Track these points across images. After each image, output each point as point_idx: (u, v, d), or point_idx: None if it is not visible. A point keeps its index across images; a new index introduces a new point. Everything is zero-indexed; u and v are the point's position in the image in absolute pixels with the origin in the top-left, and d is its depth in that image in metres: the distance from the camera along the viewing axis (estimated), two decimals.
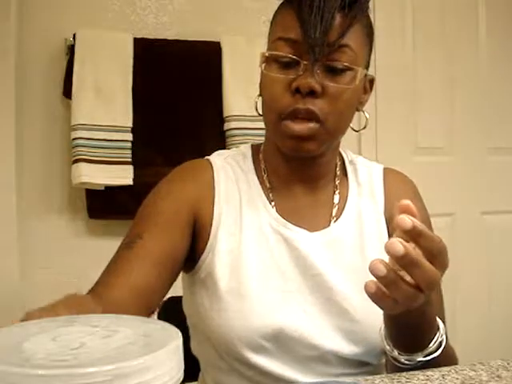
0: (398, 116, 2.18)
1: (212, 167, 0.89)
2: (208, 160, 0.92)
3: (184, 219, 0.83)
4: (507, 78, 2.29)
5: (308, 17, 0.77)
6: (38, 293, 1.78)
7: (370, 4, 0.85)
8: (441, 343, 0.71)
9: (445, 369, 0.67)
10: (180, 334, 0.37)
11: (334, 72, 0.79)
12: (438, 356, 0.70)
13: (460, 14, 2.24)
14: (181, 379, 0.36)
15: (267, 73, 0.82)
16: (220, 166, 0.90)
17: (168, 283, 0.82)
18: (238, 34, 1.86)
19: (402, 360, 0.71)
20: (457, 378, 0.64)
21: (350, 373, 0.84)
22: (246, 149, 0.95)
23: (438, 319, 0.73)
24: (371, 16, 0.88)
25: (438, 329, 0.72)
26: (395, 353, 0.72)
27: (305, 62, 0.78)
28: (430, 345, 0.70)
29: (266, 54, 0.82)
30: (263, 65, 0.83)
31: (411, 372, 0.66)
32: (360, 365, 0.84)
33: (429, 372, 0.66)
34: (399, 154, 2.16)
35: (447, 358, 0.73)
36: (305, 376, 0.82)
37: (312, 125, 0.79)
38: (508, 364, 0.68)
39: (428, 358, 0.70)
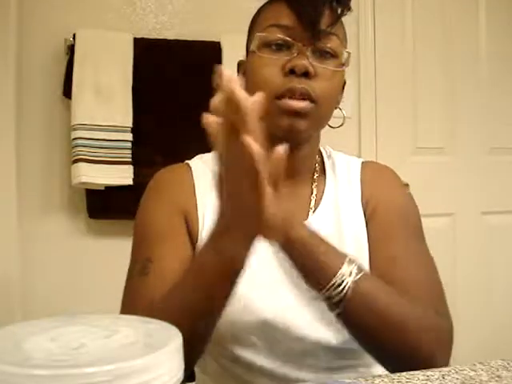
0: (398, 116, 2.18)
1: (191, 171, 0.92)
2: (187, 164, 0.94)
3: (181, 228, 0.86)
4: (507, 77, 2.29)
5: (301, 6, 0.82)
6: (38, 293, 1.78)
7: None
8: (341, 285, 0.70)
9: (445, 369, 0.67)
10: (180, 334, 0.37)
11: (324, 56, 0.84)
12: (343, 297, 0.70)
13: (460, 14, 2.24)
14: (181, 379, 0.36)
15: (260, 55, 0.84)
16: (199, 169, 0.92)
17: None
18: (238, 34, 1.85)
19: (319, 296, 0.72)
20: (457, 378, 0.64)
21: (343, 365, 0.84)
22: None
23: (346, 264, 0.71)
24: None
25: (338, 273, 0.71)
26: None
27: (299, 44, 0.82)
28: (330, 284, 0.70)
29: (262, 34, 0.84)
30: (255, 48, 0.85)
31: (411, 372, 0.66)
32: (350, 354, 0.84)
33: (429, 372, 0.66)
34: (399, 154, 2.16)
35: (364, 306, 0.72)
36: (297, 370, 0.83)
37: (307, 102, 0.82)
38: (508, 364, 0.68)
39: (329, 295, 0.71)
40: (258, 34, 0.85)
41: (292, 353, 0.83)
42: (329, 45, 0.83)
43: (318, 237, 0.72)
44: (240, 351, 0.82)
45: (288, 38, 0.82)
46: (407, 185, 2.11)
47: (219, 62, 1.85)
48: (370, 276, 0.76)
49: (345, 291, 0.70)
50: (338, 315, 0.73)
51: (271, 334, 0.82)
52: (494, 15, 2.28)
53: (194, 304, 0.68)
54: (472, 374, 0.65)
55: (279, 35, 0.83)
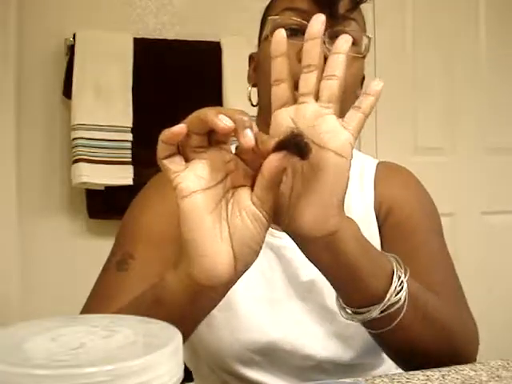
0: (398, 116, 2.18)
1: None
2: None
3: (169, 232, 0.77)
4: (507, 77, 2.29)
5: None
6: (37, 293, 1.78)
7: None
8: (398, 294, 0.60)
9: (445, 369, 0.67)
10: (180, 334, 0.37)
11: None
12: (396, 309, 0.60)
13: (460, 14, 2.24)
14: (181, 379, 0.35)
15: None
16: None
17: None
18: (238, 34, 1.86)
19: (359, 318, 0.62)
20: (457, 378, 0.64)
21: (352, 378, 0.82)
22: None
23: (394, 269, 0.61)
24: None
25: (392, 279, 0.60)
26: (349, 312, 0.63)
27: None
28: (387, 297, 0.59)
29: (275, 17, 0.78)
30: (269, 33, 0.79)
31: (411, 372, 0.66)
32: (360, 368, 0.81)
33: (429, 372, 0.66)
34: (399, 154, 2.16)
35: (415, 311, 0.63)
36: None
37: None
38: (508, 364, 0.68)
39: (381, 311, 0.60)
40: (271, 17, 0.79)
41: (300, 370, 0.79)
42: (348, 29, 0.75)
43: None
44: (243, 370, 0.78)
45: (303, 21, 0.74)
46: None
47: (219, 62, 1.85)
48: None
49: (403, 298, 0.59)
50: (382, 331, 0.62)
51: (277, 354, 0.78)
52: (494, 15, 2.28)
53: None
54: (472, 373, 0.65)
55: (294, 18, 0.76)
